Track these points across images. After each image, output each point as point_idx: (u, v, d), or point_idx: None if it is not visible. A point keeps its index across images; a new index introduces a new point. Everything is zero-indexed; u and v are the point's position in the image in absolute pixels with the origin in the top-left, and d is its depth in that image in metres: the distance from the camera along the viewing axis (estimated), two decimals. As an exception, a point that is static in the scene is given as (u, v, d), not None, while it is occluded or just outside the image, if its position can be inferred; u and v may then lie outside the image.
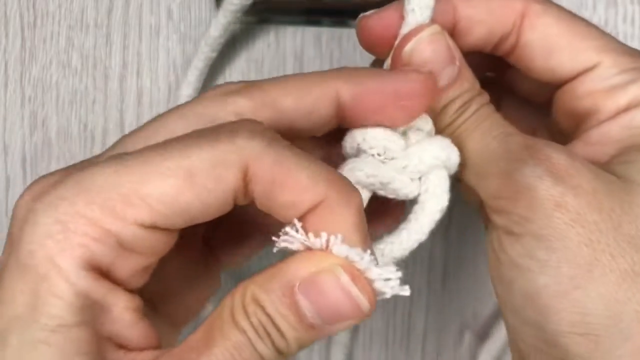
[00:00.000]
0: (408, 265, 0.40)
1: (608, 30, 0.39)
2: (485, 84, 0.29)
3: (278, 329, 0.22)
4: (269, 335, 0.22)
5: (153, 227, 0.22)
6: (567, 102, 0.28)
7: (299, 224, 0.22)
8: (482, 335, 0.40)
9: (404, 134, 0.27)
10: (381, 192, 0.27)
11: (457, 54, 0.27)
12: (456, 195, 0.39)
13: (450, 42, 0.27)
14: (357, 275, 0.22)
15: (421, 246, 0.40)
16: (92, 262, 0.22)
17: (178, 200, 0.22)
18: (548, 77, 0.28)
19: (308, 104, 0.25)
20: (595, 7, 0.39)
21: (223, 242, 0.30)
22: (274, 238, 0.23)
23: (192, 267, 0.29)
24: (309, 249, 0.22)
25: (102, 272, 0.22)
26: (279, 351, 0.22)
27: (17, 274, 0.22)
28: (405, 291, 0.23)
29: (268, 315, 0.22)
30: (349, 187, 0.23)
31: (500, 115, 0.27)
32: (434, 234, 0.39)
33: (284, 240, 0.23)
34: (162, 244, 0.23)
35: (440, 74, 0.27)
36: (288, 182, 0.22)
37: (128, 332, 0.23)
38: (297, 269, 0.22)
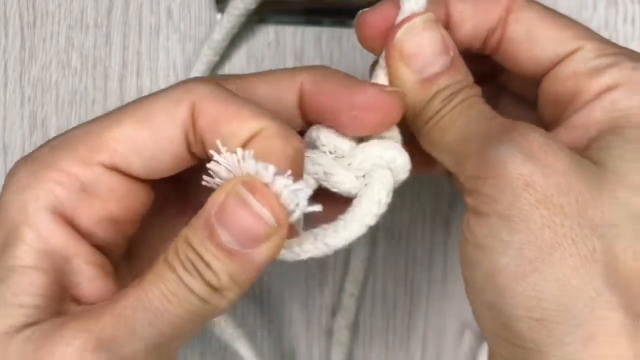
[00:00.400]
0: (408, 265, 0.40)
1: (608, 30, 0.39)
2: (483, 87, 0.29)
3: (205, 263, 0.22)
4: (197, 270, 0.22)
5: (114, 169, 0.24)
6: (550, 88, 0.28)
7: (222, 147, 0.23)
8: (482, 335, 0.40)
9: (365, 138, 0.28)
10: (325, 184, 0.27)
11: (451, 45, 0.28)
12: (456, 195, 0.39)
13: (444, 32, 0.28)
14: (258, 187, 0.22)
15: (421, 246, 0.40)
16: (57, 206, 0.23)
17: (135, 139, 0.24)
18: (532, 68, 0.28)
19: (277, 92, 0.27)
20: (595, 7, 0.39)
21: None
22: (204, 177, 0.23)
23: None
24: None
25: (68, 219, 0.24)
26: (210, 285, 0.22)
27: None
28: (316, 207, 0.23)
29: (195, 251, 0.22)
30: (287, 126, 0.25)
31: (490, 107, 0.27)
32: (434, 234, 0.40)
33: (213, 165, 0.23)
34: (124, 190, 0.24)
35: (433, 62, 0.27)
36: (230, 115, 0.24)
37: (86, 286, 0.24)
38: (213, 200, 0.23)
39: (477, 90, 0.28)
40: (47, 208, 0.24)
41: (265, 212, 0.22)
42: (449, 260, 0.40)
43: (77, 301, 0.24)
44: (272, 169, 0.22)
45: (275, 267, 0.40)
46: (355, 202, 0.27)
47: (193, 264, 0.22)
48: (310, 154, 0.27)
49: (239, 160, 0.22)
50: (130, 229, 0.26)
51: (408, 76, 0.27)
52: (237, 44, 0.39)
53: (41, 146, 0.25)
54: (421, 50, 0.27)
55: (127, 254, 0.27)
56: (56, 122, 0.40)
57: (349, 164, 0.27)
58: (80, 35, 0.40)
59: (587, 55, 0.27)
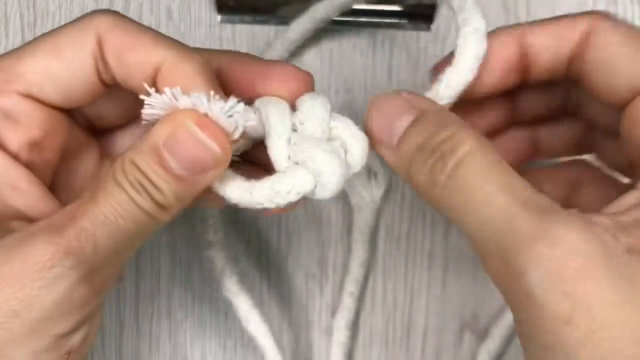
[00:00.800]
0: (408, 265, 0.40)
1: (608, 30, 0.39)
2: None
3: (152, 183, 0.25)
4: (145, 189, 0.25)
5: (29, 97, 0.26)
6: (629, 125, 0.26)
7: (150, 89, 0.25)
8: (482, 335, 0.40)
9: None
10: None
11: (421, 103, 0.27)
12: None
13: (408, 95, 0.27)
14: (205, 121, 0.24)
15: (421, 246, 0.40)
16: None
17: (48, 69, 0.26)
18: (612, 97, 0.26)
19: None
20: (594, 7, 0.39)
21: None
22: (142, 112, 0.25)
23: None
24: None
25: None
26: (157, 204, 0.25)
27: None
28: (251, 122, 0.25)
29: (142, 173, 0.25)
30: (188, 49, 0.27)
31: (496, 167, 0.24)
32: (434, 234, 0.40)
33: (147, 108, 0.25)
34: (43, 116, 0.27)
35: (394, 129, 0.27)
36: (133, 44, 0.26)
37: (30, 203, 0.27)
38: (161, 130, 0.25)
39: (465, 147, 0.24)
40: None
41: (212, 144, 0.24)
42: (449, 260, 0.40)
43: (21, 218, 0.26)
44: (204, 98, 0.24)
45: (276, 267, 0.40)
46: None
47: (142, 185, 0.25)
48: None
49: (170, 99, 0.24)
50: (53, 156, 0.28)
51: (385, 152, 0.27)
52: (237, 44, 0.39)
53: None
54: (382, 123, 0.27)
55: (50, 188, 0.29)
56: (56, 122, 0.40)
57: (293, 142, 0.27)
58: (81, 36, 0.40)
59: None
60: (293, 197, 0.26)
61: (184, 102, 0.24)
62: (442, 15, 0.39)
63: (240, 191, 0.26)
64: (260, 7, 0.39)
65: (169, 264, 0.40)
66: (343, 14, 0.37)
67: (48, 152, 0.28)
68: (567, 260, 0.21)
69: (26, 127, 0.26)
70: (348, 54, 0.39)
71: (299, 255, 0.40)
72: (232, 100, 0.25)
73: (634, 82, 0.26)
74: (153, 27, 0.39)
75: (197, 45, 0.39)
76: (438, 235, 0.40)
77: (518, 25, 0.28)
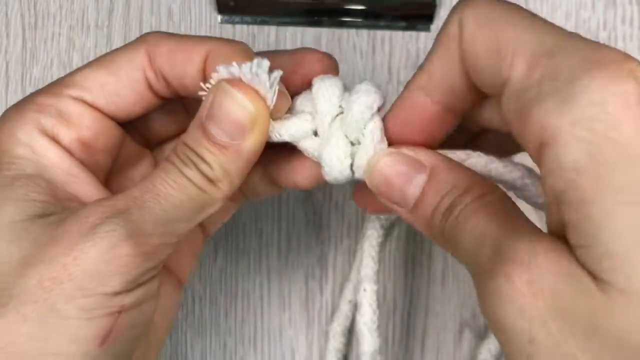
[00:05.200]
0: (408, 264, 0.40)
1: (607, 30, 0.39)
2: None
3: (200, 157, 0.26)
4: (192, 162, 0.26)
5: (82, 101, 0.28)
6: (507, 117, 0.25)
7: (203, 84, 0.27)
8: (482, 335, 0.40)
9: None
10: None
11: (426, 158, 0.26)
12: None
13: (411, 151, 0.27)
14: (237, 83, 0.26)
15: (421, 246, 0.40)
16: (42, 129, 0.28)
17: (99, 79, 0.28)
18: (494, 83, 0.24)
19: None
20: (594, 7, 0.39)
21: None
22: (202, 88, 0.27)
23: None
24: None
25: (53, 138, 0.28)
26: (205, 176, 0.26)
27: None
28: (278, 72, 0.27)
29: (190, 148, 0.26)
30: (230, 40, 0.29)
31: (492, 208, 0.25)
32: (433, 233, 0.40)
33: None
34: (93, 119, 0.28)
35: (408, 189, 0.26)
36: (180, 47, 0.28)
37: (85, 191, 0.28)
38: (204, 103, 0.27)
39: (473, 194, 0.25)
40: (34, 130, 0.28)
41: (245, 101, 0.26)
42: (448, 260, 0.40)
43: (81, 203, 0.28)
44: (236, 65, 0.26)
45: (276, 267, 0.40)
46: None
47: (190, 158, 0.26)
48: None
49: (214, 79, 0.27)
50: (104, 159, 0.30)
51: (400, 211, 0.27)
52: (237, 44, 0.39)
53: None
54: (391, 183, 0.27)
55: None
56: (57, 122, 0.40)
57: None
58: (82, 36, 0.40)
59: (514, 89, 0.23)
60: (286, 137, 0.28)
61: (222, 73, 0.26)
62: (442, 15, 0.39)
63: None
64: (260, 7, 0.39)
65: (169, 263, 0.40)
66: (343, 14, 0.37)
67: (99, 154, 0.29)
68: (517, 283, 0.22)
69: (77, 126, 0.28)
70: (348, 54, 0.39)
71: (299, 255, 0.40)
72: (260, 59, 0.26)
73: (492, 86, 0.24)
74: (153, 27, 0.40)
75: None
76: (438, 235, 0.40)
77: (416, 75, 0.27)
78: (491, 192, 0.25)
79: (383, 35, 0.39)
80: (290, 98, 0.28)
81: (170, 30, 0.39)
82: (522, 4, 0.39)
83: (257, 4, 0.39)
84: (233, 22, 0.39)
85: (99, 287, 0.24)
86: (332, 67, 0.29)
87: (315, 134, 0.29)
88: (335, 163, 0.28)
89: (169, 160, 0.27)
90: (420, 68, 0.27)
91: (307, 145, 0.29)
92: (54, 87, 0.28)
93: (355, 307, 0.38)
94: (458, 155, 0.27)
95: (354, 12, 0.39)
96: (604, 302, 0.21)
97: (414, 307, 0.40)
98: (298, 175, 0.30)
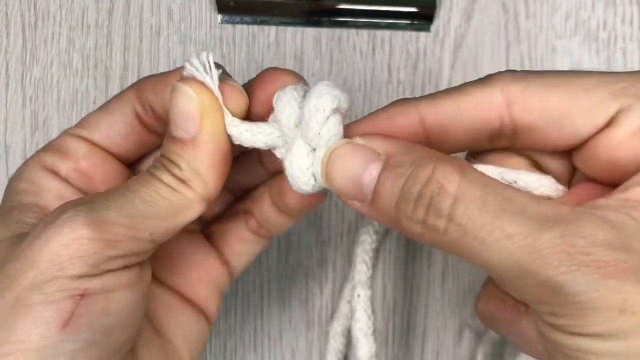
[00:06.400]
0: (408, 264, 0.40)
1: (607, 30, 0.39)
2: None
3: (169, 159, 0.27)
4: (163, 165, 0.27)
5: (79, 137, 0.30)
6: (602, 157, 0.25)
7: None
8: (482, 335, 0.40)
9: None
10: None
11: (384, 146, 0.25)
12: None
13: (364, 141, 0.26)
14: (185, 78, 0.27)
15: (421, 246, 0.40)
16: (41, 163, 0.30)
17: (98, 120, 0.30)
18: (566, 143, 0.26)
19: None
20: (594, 7, 0.39)
21: (221, 237, 0.33)
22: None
23: (194, 252, 0.33)
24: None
25: (48, 169, 0.30)
26: (175, 176, 0.27)
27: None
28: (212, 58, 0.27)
29: (162, 155, 0.28)
30: None
31: (482, 189, 0.24)
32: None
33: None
34: (88, 150, 0.30)
35: (363, 184, 0.25)
36: (163, 78, 0.29)
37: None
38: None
39: (456, 173, 0.24)
40: (36, 166, 0.30)
41: (190, 91, 0.27)
42: (448, 260, 0.40)
43: None
44: (187, 62, 0.27)
45: (276, 267, 0.40)
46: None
47: (162, 163, 0.27)
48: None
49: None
50: (102, 188, 0.30)
51: (359, 206, 0.26)
52: (237, 44, 0.39)
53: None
54: (346, 181, 0.26)
55: None
56: (57, 122, 0.40)
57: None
58: (82, 36, 0.40)
59: (635, 114, 0.24)
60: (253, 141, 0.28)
61: (187, 70, 0.27)
62: (442, 15, 0.39)
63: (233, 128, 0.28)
64: (260, 7, 0.39)
65: (169, 263, 0.40)
66: (343, 14, 0.37)
67: (97, 183, 0.30)
68: (605, 258, 0.22)
69: (73, 157, 0.30)
70: (348, 54, 0.39)
71: (299, 256, 0.40)
72: (201, 52, 0.27)
73: (585, 129, 0.25)
74: (154, 27, 0.40)
75: (199, 46, 0.39)
76: (438, 235, 0.40)
77: (419, 100, 0.27)
78: (467, 168, 0.24)
79: (383, 35, 0.39)
80: (246, 93, 0.28)
81: (171, 30, 0.39)
82: (523, 5, 0.39)
83: (257, 4, 0.39)
84: (233, 22, 0.39)
85: (59, 271, 0.25)
86: (294, 81, 0.28)
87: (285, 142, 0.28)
88: (297, 172, 0.27)
89: (144, 168, 0.28)
90: (428, 101, 0.27)
91: (280, 154, 0.28)
92: (66, 135, 0.31)
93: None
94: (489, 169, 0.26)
95: (354, 12, 0.39)
96: None
97: (414, 307, 0.40)
98: (295, 196, 0.30)
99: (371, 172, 0.25)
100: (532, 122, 0.25)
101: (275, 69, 0.29)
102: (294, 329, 0.40)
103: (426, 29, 0.39)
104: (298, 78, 0.28)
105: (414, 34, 0.39)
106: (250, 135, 0.28)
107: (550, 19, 0.39)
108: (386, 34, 0.39)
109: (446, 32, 0.39)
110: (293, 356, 0.40)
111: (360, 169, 0.25)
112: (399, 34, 0.39)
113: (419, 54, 0.39)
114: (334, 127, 0.26)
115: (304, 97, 0.27)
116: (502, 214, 0.23)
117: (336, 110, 0.26)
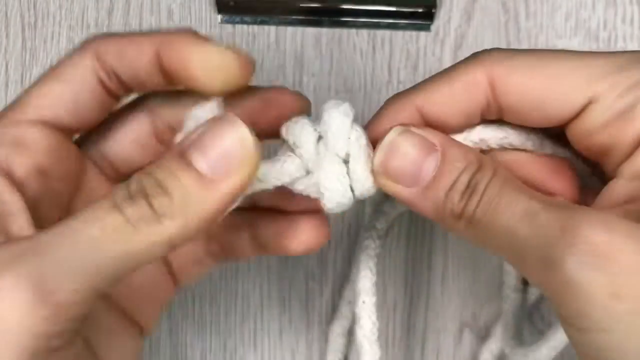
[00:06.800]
0: (408, 264, 0.40)
1: (607, 30, 0.39)
2: None
3: (160, 184, 0.23)
4: (143, 193, 0.22)
5: (40, 123, 0.26)
6: (581, 139, 0.26)
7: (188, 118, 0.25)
8: (482, 335, 0.40)
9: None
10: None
11: (435, 137, 0.26)
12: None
13: (421, 131, 0.26)
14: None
15: (421, 246, 0.40)
16: None
17: (52, 92, 0.27)
18: (549, 124, 0.26)
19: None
20: (594, 7, 0.39)
21: (175, 256, 0.31)
22: None
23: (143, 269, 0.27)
24: None
25: (4, 171, 0.25)
26: (150, 206, 0.22)
27: None
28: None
29: (151, 176, 0.23)
30: (177, 29, 0.27)
31: (513, 181, 0.25)
32: (434, 233, 0.40)
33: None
34: (52, 143, 0.26)
35: (422, 170, 0.26)
36: (128, 42, 0.27)
37: (15, 232, 0.25)
38: (188, 136, 0.24)
39: (489, 168, 0.26)
40: None
41: (246, 131, 0.23)
42: (449, 260, 0.40)
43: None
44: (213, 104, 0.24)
45: (276, 267, 0.40)
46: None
47: (140, 185, 0.23)
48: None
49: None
50: (60, 187, 0.27)
51: (407, 193, 0.26)
52: (237, 44, 0.39)
53: None
54: (405, 164, 0.26)
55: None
56: (57, 122, 0.40)
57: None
58: (82, 36, 0.40)
59: (606, 100, 0.25)
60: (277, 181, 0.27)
61: (199, 115, 0.25)
62: (442, 15, 0.39)
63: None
64: (260, 7, 0.39)
65: (169, 264, 0.40)
66: (343, 14, 0.37)
67: (56, 182, 0.27)
68: (597, 241, 0.22)
69: (33, 154, 0.26)
70: (348, 54, 0.39)
71: (299, 256, 0.40)
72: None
73: (563, 112, 0.26)
74: (154, 27, 0.40)
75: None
76: (438, 235, 0.40)
77: (412, 92, 0.27)
78: (499, 164, 0.26)
79: (383, 35, 0.39)
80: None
81: (170, 30, 0.39)
82: (523, 5, 0.39)
83: (257, 4, 0.39)
84: (233, 22, 0.39)
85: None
86: (304, 108, 0.28)
87: (307, 172, 0.27)
88: (336, 185, 0.27)
89: (107, 195, 0.23)
90: (420, 92, 0.27)
91: (303, 184, 0.27)
92: (9, 112, 0.27)
93: (354, 314, 0.38)
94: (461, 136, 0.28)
95: (354, 12, 0.39)
96: None
97: (414, 307, 0.40)
98: (290, 241, 0.30)
99: (431, 162, 0.26)
100: (513, 105, 0.26)
101: (286, 90, 0.28)
102: (294, 329, 0.40)
103: (426, 28, 0.39)
104: (309, 108, 0.29)
105: (414, 33, 0.39)
106: (277, 173, 0.27)
107: (551, 19, 0.39)
108: (386, 33, 0.39)
109: (446, 32, 0.39)
110: (293, 356, 0.40)
111: (421, 156, 0.26)
112: (399, 33, 0.39)
113: (419, 54, 0.39)
114: (361, 132, 0.27)
115: (313, 122, 0.27)
116: (523, 198, 0.25)
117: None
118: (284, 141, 0.27)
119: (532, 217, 0.24)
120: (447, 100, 0.27)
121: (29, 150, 0.26)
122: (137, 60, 0.27)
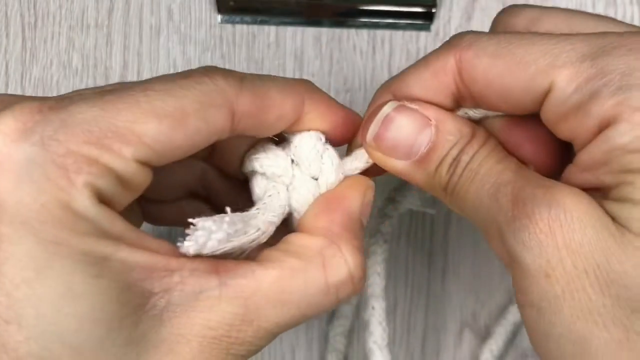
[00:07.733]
0: (408, 264, 0.40)
1: (607, 30, 0.39)
2: None
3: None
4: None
5: (146, 164, 0.23)
6: (549, 126, 0.25)
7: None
8: (482, 335, 0.40)
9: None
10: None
11: (430, 111, 0.27)
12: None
13: (415, 105, 0.27)
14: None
15: (421, 246, 0.40)
16: (96, 192, 0.22)
17: (171, 139, 0.23)
18: (518, 111, 0.26)
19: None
20: (594, 7, 0.39)
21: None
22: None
23: None
24: None
25: (105, 202, 0.22)
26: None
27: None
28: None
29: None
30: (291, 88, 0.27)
31: (497, 153, 0.26)
32: (434, 234, 0.40)
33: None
34: (148, 179, 0.23)
35: (416, 144, 0.26)
36: (268, 105, 0.25)
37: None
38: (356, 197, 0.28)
39: (479, 140, 0.26)
40: (93, 197, 0.22)
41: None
42: (449, 259, 0.40)
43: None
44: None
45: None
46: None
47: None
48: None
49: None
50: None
51: (400, 165, 0.27)
52: (237, 44, 0.39)
53: (45, 119, 0.22)
54: (399, 138, 0.27)
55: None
56: (57, 122, 0.40)
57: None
58: (81, 36, 0.40)
59: (560, 96, 0.24)
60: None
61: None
62: (442, 15, 0.39)
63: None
64: (260, 7, 0.39)
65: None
66: (343, 14, 0.37)
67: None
68: (542, 218, 0.23)
69: (133, 192, 0.23)
70: (348, 54, 0.39)
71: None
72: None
73: (526, 102, 0.25)
74: (153, 27, 0.40)
75: (198, 45, 0.39)
76: (438, 235, 0.40)
77: (390, 80, 0.28)
78: (490, 136, 0.27)
79: (383, 35, 0.39)
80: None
81: (170, 30, 0.39)
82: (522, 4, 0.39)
83: (257, 3, 0.39)
84: (233, 22, 0.39)
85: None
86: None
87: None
88: (309, 199, 0.28)
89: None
90: (396, 79, 0.28)
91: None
92: (110, 138, 0.22)
93: (356, 308, 0.39)
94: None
95: (354, 12, 0.39)
96: (618, 244, 0.22)
97: (414, 307, 0.40)
98: None
99: (425, 136, 0.26)
100: (480, 92, 0.26)
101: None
102: (294, 329, 0.40)
103: (426, 28, 0.39)
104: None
105: (414, 33, 0.39)
106: (280, 209, 0.28)
107: (551, 19, 0.39)
108: (386, 33, 0.39)
109: (446, 32, 0.39)
110: (293, 355, 0.40)
111: (415, 130, 0.26)
112: (399, 33, 0.39)
113: (419, 54, 0.39)
114: (333, 152, 0.28)
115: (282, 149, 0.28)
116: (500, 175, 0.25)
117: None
118: (256, 173, 0.28)
119: (496, 190, 0.25)
120: (417, 87, 0.27)
121: (129, 190, 0.23)
122: (276, 127, 0.27)
